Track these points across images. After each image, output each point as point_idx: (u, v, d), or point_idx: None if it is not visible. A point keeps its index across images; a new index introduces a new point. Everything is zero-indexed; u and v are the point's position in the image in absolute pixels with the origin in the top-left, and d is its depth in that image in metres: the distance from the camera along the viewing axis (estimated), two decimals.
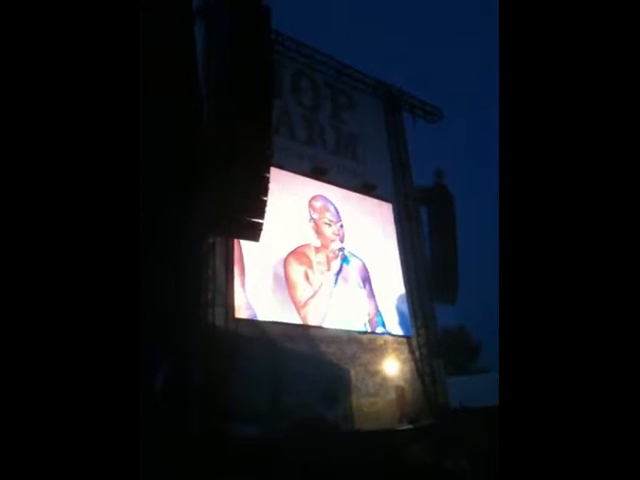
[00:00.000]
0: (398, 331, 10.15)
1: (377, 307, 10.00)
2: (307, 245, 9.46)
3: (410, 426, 8.37)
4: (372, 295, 10.05)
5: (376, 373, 9.32)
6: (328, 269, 9.53)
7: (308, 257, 9.36)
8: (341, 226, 10.18)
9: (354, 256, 10.10)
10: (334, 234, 9.98)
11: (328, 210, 10.21)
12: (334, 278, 9.50)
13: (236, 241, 8.29)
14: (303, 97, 11.20)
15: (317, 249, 9.58)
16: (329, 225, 10.02)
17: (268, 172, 7.48)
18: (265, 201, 7.34)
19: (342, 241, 10.01)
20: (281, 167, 9.24)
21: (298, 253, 9.25)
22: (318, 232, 9.79)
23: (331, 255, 9.72)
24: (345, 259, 9.83)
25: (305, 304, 8.89)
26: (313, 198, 10.09)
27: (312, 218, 9.85)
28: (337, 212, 10.32)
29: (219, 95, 7.81)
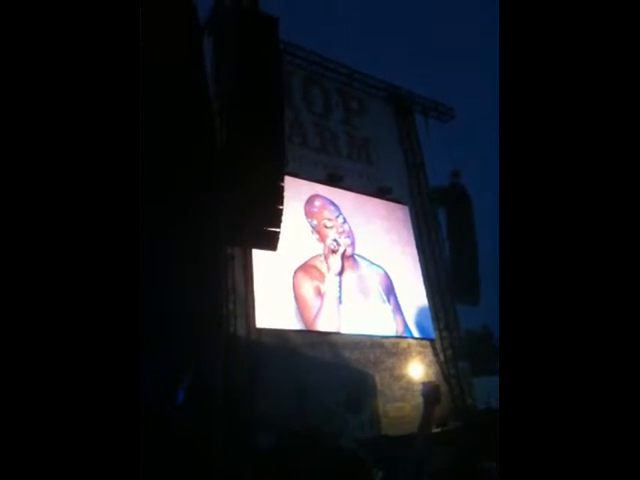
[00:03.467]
0: (421, 334, 10.07)
1: (405, 321, 9.80)
2: (317, 256, 9.21)
3: (438, 429, 8.28)
4: (398, 309, 9.82)
5: (401, 377, 9.25)
6: (328, 270, 9.08)
7: (318, 269, 9.11)
8: (344, 221, 9.77)
9: (373, 264, 9.94)
10: (339, 234, 9.53)
11: (326, 209, 9.78)
12: (337, 280, 9.10)
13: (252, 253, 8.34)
14: (314, 105, 11.25)
15: (328, 261, 9.23)
16: (332, 228, 9.57)
17: (283, 181, 7.53)
18: (281, 210, 7.40)
19: (350, 236, 9.63)
20: (296, 175, 9.28)
21: (307, 266, 9.01)
22: (324, 239, 9.41)
23: (330, 248, 9.24)
24: (354, 264, 9.51)
25: (313, 321, 8.66)
26: (308, 202, 9.61)
27: (312, 226, 9.43)
28: (345, 216, 9.92)
29: (231, 108, 7.90)
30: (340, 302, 9.06)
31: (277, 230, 7.45)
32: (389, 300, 9.80)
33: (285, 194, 7.40)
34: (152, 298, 6.00)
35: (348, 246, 9.61)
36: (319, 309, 8.78)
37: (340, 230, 9.69)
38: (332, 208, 9.95)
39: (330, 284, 9.08)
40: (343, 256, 9.39)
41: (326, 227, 9.60)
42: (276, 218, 7.43)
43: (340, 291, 9.12)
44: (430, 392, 6.50)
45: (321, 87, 11.61)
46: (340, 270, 9.25)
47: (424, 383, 8.04)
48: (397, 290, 9.99)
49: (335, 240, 9.37)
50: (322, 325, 8.75)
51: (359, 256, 9.80)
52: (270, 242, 7.55)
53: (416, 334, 9.96)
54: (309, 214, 9.58)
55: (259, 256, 8.25)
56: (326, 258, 9.23)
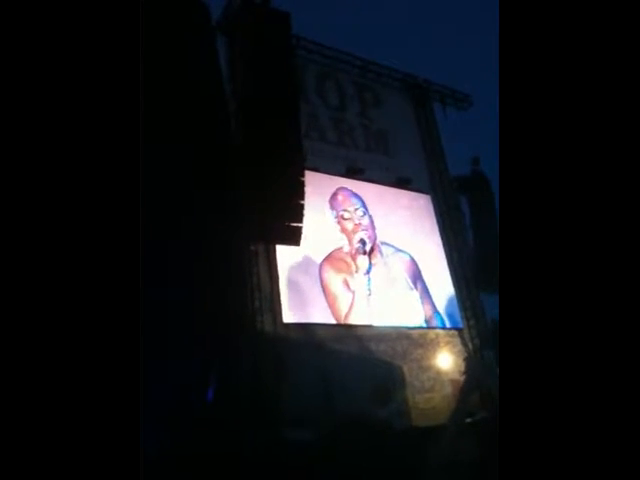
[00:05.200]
0: (449, 322, 10.00)
1: (433, 307, 9.78)
2: (341, 248, 9.24)
3: (468, 420, 8.22)
4: (427, 294, 9.80)
5: (429, 368, 9.18)
6: (357, 270, 9.12)
7: (345, 261, 9.13)
8: (363, 214, 9.78)
9: (399, 250, 9.92)
10: (355, 226, 9.54)
11: (347, 202, 9.81)
12: (366, 278, 9.09)
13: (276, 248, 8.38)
14: (330, 98, 11.22)
15: (353, 253, 9.25)
16: (349, 219, 9.59)
17: (303, 176, 7.54)
18: (302, 205, 7.40)
19: (367, 230, 9.59)
20: (316, 170, 9.26)
21: (333, 258, 9.04)
22: (343, 231, 9.47)
23: (359, 250, 9.24)
24: (379, 255, 9.48)
25: (345, 317, 8.72)
26: (333, 195, 9.75)
27: (334, 217, 9.53)
28: (367, 207, 9.97)
29: (246, 106, 7.92)
30: (369, 294, 9.07)
31: (299, 225, 7.47)
32: (416, 286, 9.77)
33: (306, 189, 7.40)
34: (179, 299, 6.08)
35: (372, 241, 9.57)
36: (350, 306, 8.82)
37: (357, 222, 9.65)
38: (353, 200, 9.94)
39: (359, 282, 9.08)
40: (370, 253, 9.39)
41: (344, 219, 9.59)
42: (298, 213, 7.45)
43: (369, 286, 9.11)
44: None
45: (336, 80, 11.56)
46: (368, 268, 9.24)
47: None
48: (425, 278, 9.95)
49: (362, 240, 9.34)
50: (353, 320, 8.78)
51: (384, 244, 9.77)
52: (293, 237, 7.57)
53: (444, 321, 9.92)
54: (332, 207, 9.63)
55: (283, 252, 8.29)
56: (354, 258, 9.22)
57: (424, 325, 9.59)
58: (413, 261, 10.00)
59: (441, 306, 9.97)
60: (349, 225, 9.57)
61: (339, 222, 9.53)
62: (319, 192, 9.22)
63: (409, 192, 10.99)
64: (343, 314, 8.71)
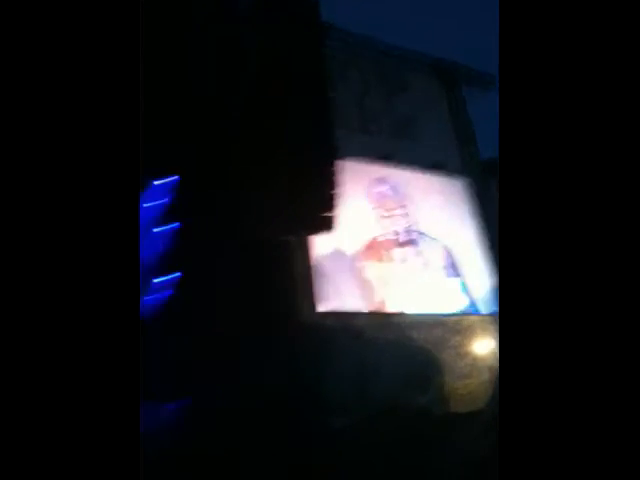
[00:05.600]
0: (487, 308, 9.89)
1: (470, 295, 9.76)
2: (377, 239, 9.32)
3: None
4: (463, 282, 9.79)
5: (467, 354, 9.11)
6: (392, 259, 9.24)
7: (380, 250, 9.20)
8: (404, 212, 9.83)
9: (434, 239, 9.88)
10: (396, 223, 9.63)
11: (386, 197, 9.86)
12: (402, 267, 9.20)
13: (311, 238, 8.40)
14: (356, 86, 11.10)
15: (387, 241, 9.35)
16: (390, 217, 9.66)
17: (334, 165, 7.50)
18: (335, 195, 7.38)
19: (408, 224, 9.68)
20: (346, 159, 9.20)
21: (368, 247, 9.11)
22: (380, 222, 9.56)
23: (395, 240, 9.39)
24: (413, 242, 9.55)
25: (381, 304, 8.77)
26: (368, 185, 9.82)
27: (372, 209, 9.62)
28: (399, 194, 9.98)
29: (277, 97, 7.90)
30: (405, 283, 9.08)
31: (333, 215, 7.46)
32: (452, 273, 9.75)
33: (338, 178, 7.36)
34: (216, 290, 6.14)
35: (409, 232, 9.62)
36: (385, 294, 8.87)
37: (398, 223, 9.68)
38: (391, 194, 9.94)
39: (395, 271, 9.12)
40: (406, 244, 9.41)
41: (383, 216, 9.62)
42: (331, 203, 7.43)
43: (405, 274, 9.14)
44: None
45: (362, 67, 11.42)
46: (404, 257, 9.29)
47: None
48: (460, 264, 9.89)
49: (398, 232, 9.41)
50: (388, 308, 8.84)
51: (419, 230, 9.75)
52: (326, 227, 7.56)
53: (481, 308, 9.82)
54: (369, 199, 9.67)
55: (317, 241, 8.32)
56: (389, 247, 9.28)
57: (460, 312, 9.56)
58: (448, 247, 9.96)
59: (477, 292, 9.89)
60: (388, 221, 9.61)
61: (378, 217, 9.57)
62: (351, 181, 9.17)
63: (442, 177, 10.88)
64: (378, 302, 8.70)
